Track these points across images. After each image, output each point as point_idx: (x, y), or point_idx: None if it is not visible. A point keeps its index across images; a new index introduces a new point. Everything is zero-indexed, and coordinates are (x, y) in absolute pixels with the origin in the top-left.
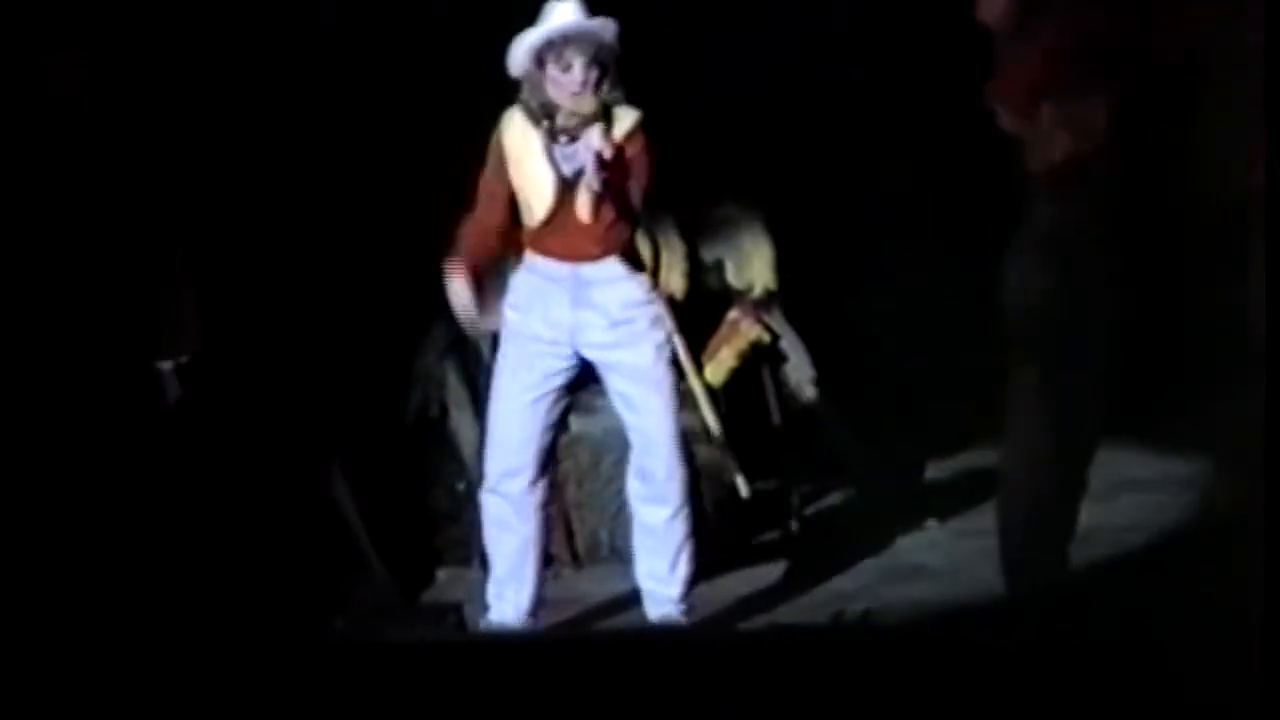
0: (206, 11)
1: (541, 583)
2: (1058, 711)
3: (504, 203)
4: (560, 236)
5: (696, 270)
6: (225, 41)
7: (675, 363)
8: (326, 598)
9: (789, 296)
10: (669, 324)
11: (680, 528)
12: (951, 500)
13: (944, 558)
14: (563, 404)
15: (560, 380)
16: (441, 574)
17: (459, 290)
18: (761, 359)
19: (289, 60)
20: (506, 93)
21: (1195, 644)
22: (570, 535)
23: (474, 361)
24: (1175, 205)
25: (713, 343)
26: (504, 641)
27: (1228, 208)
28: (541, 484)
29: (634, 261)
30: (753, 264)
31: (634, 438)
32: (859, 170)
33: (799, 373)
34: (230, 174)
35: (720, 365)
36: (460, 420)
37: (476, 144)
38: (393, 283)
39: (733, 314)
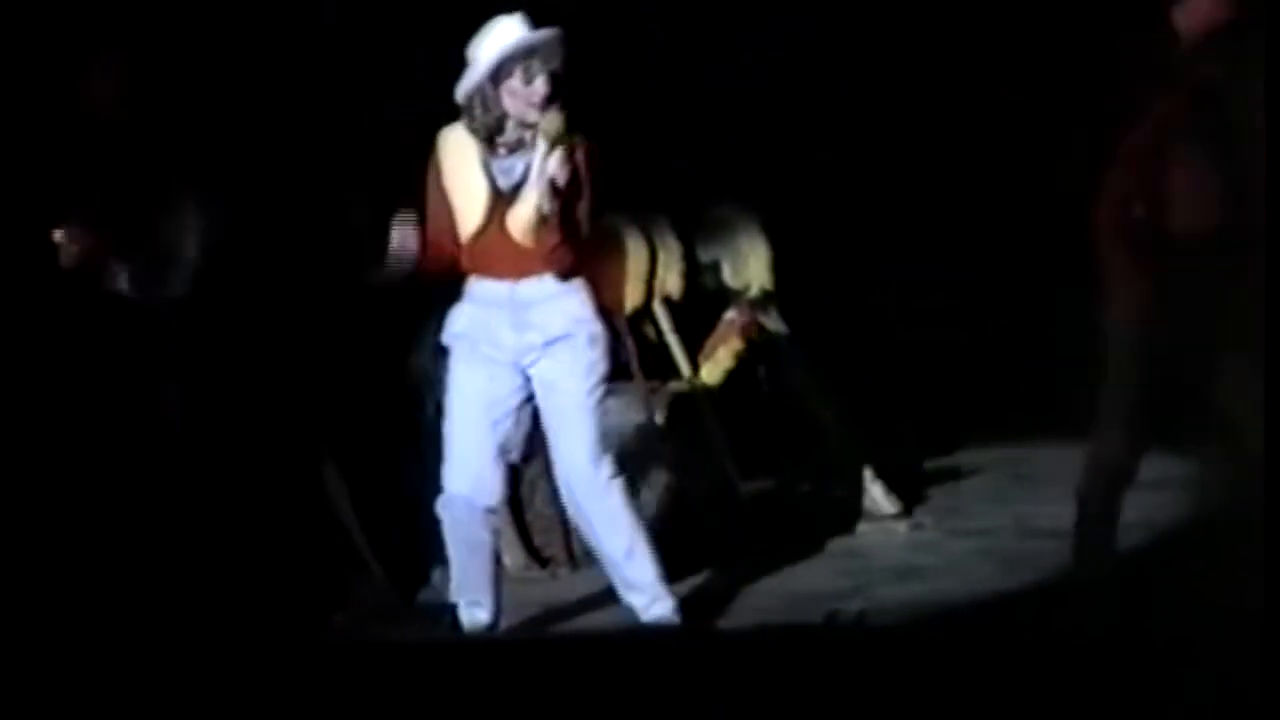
0: (208, 16)
1: (501, 588)
2: (1056, 711)
3: (449, 220)
4: (496, 253)
5: (693, 271)
6: (227, 43)
7: (613, 377)
8: (323, 598)
9: (785, 297)
10: (602, 344)
11: (622, 540)
12: (945, 500)
13: (938, 557)
14: (523, 422)
15: (516, 400)
16: (436, 574)
17: (407, 235)
18: (758, 359)
19: (286, 62)
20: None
21: (1195, 642)
22: (567, 537)
23: None
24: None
25: (709, 343)
26: (500, 642)
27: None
28: (503, 501)
29: (570, 278)
30: (749, 264)
31: (555, 450)
32: (855, 171)
33: (795, 373)
34: (230, 175)
35: (717, 365)
36: None
37: None
38: (393, 284)
39: (729, 314)
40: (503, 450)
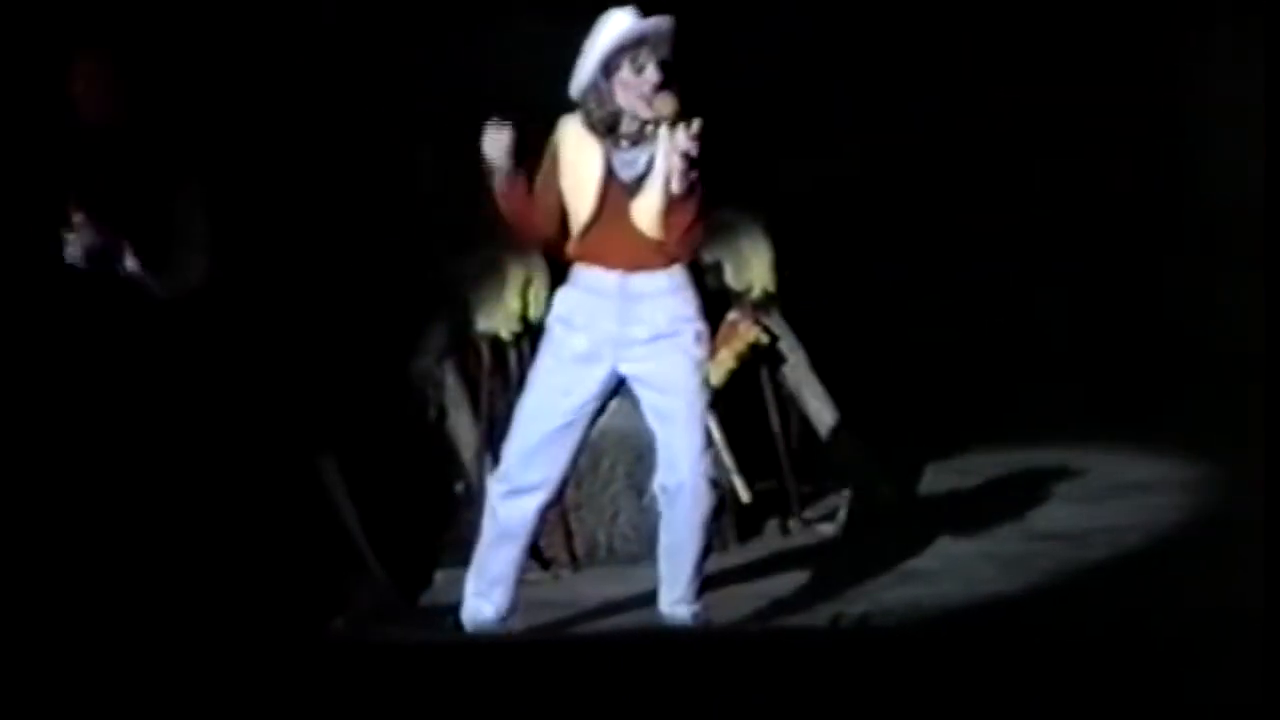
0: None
1: (517, 590)
2: (1058, 712)
3: (555, 207)
4: (614, 245)
5: (696, 272)
6: (228, 46)
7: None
8: (325, 599)
9: (787, 298)
10: (706, 342)
11: (696, 541)
12: (947, 502)
13: (940, 559)
14: (590, 428)
15: (593, 406)
16: (439, 576)
17: (500, 139)
18: (760, 360)
19: (289, 66)
20: (512, 101)
21: (1196, 644)
22: (569, 537)
23: (473, 363)
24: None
25: (712, 344)
26: (501, 643)
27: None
28: (558, 502)
29: (684, 270)
30: (751, 266)
31: (661, 452)
32: (857, 173)
33: (797, 374)
34: (229, 178)
35: (719, 366)
36: (458, 422)
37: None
38: (391, 285)
39: (732, 315)
40: (573, 453)
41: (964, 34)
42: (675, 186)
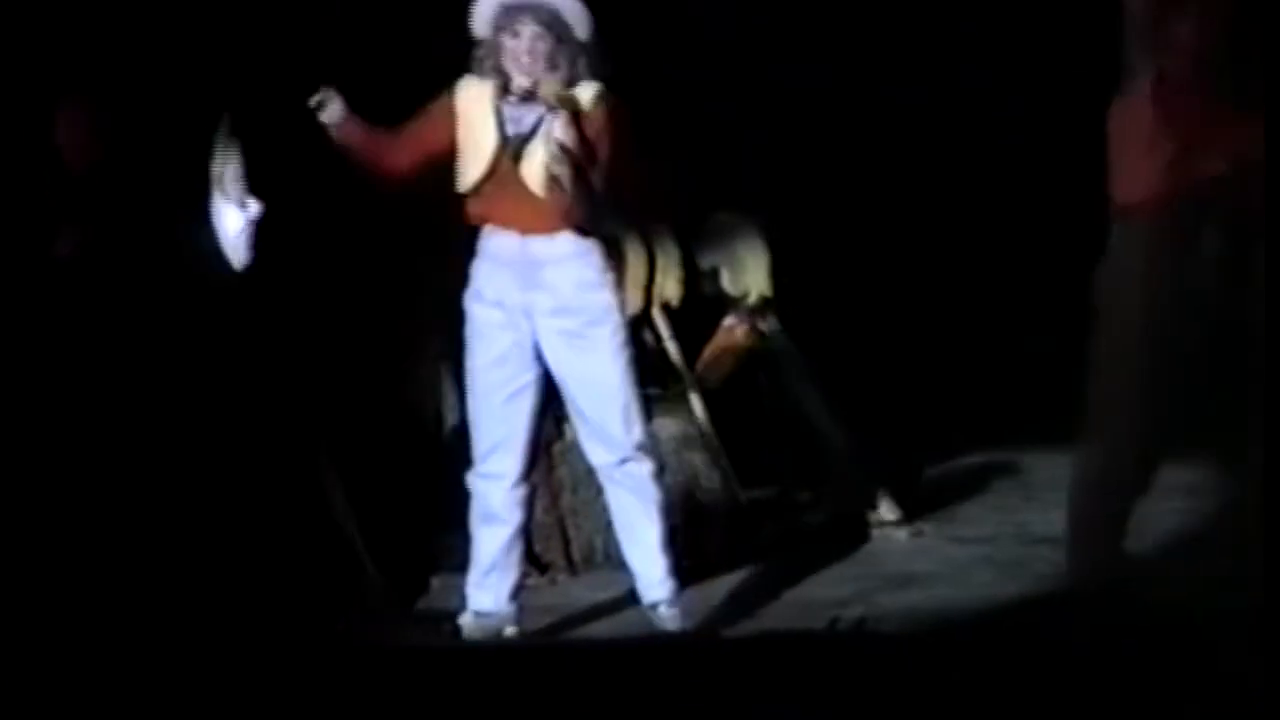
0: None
1: (524, 573)
2: (1056, 716)
3: (418, 150)
4: (503, 202)
5: (692, 277)
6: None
7: (634, 344)
8: (322, 604)
9: (784, 303)
10: (619, 312)
11: (652, 525)
12: (946, 507)
13: (938, 564)
14: (540, 394)
15: (531, 373)
16: (436, 581)
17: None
18: (757, 366)
19: (282, 74)
20: None
21: (1195, 646)
22: (566, 542)
23: None
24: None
25: (708, 349)
26: (498, 647)
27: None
28: (528, 479)
29: (587, 236)
30: (748, 270)
31: (584, 439)
32: (855, 178)
33: (794, 380)
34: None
35: (716, 371)
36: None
37: None
38: (387, 287)
39: (728, 320)
40: (528, 425)
41: (965, 38)
42: (553, 168)
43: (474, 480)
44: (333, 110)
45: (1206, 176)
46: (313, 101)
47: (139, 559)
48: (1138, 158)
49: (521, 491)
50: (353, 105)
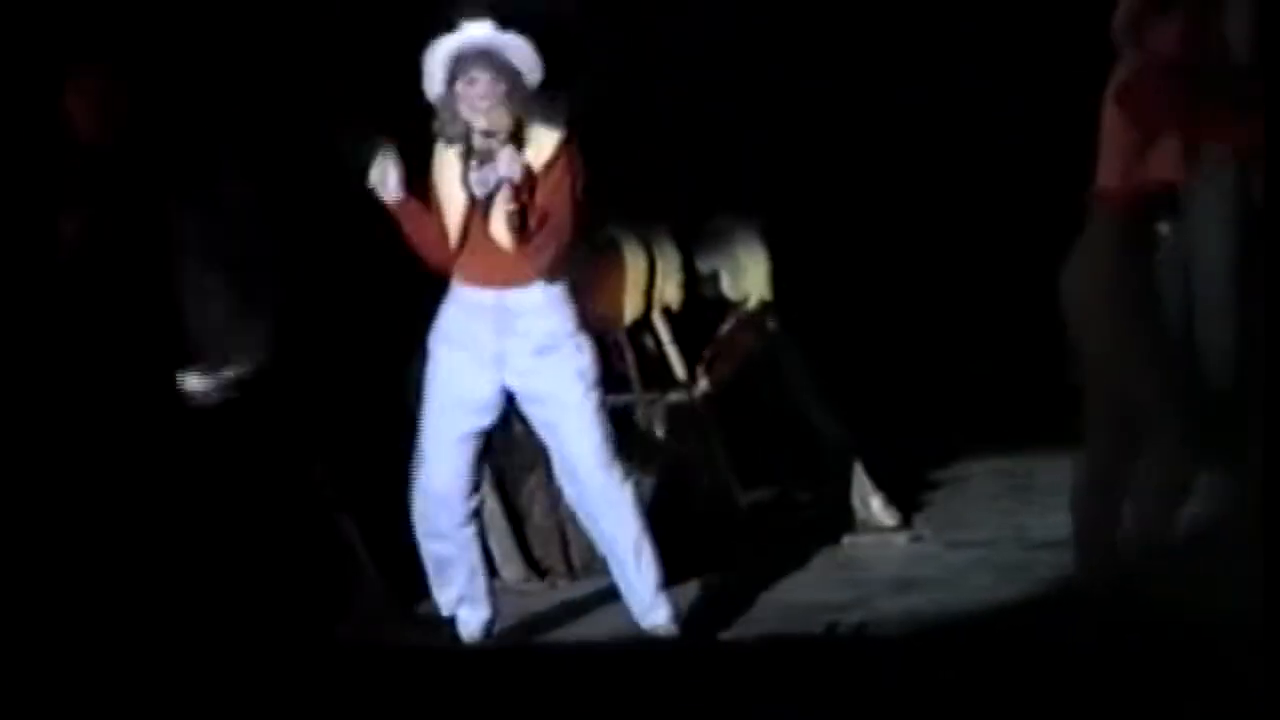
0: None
1: (495, 595)
2: (1055, 718)
3: (441, 228)
4: (480, 261)
5: (692, 281)
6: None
7: (611, 388)
8: (323, 608)
9: (784, 307)
10: (589, 351)
11: (631, 545)
12: (945, 512)
13: (937, 569)
14: (483, 446)
15: (487, 420)
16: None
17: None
18: (757, 368)
19: (281, 71)
20: None
21: (1195, 646)
22: (565, 546)
23: None
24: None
25: (708, 354)
26: (498, 652)
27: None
28: (475, 520)
29: (555, 282)
30: (748, 275)
31: (557, 464)
32: (854, 182)
33: (794, 382)
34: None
35: (716, 376)
36: None
37: None
38: (388, 291)
39: (728, 325)
40: (471, 470)
41: (964, 40)
42: (506, 204)
43: (425, 534)
44: (390, 186)
45: (1166, 175)
46: (371, 179)
47: (139, 560)
48: (1108, 149)
49: (470, 529)
50: (353, 106)
